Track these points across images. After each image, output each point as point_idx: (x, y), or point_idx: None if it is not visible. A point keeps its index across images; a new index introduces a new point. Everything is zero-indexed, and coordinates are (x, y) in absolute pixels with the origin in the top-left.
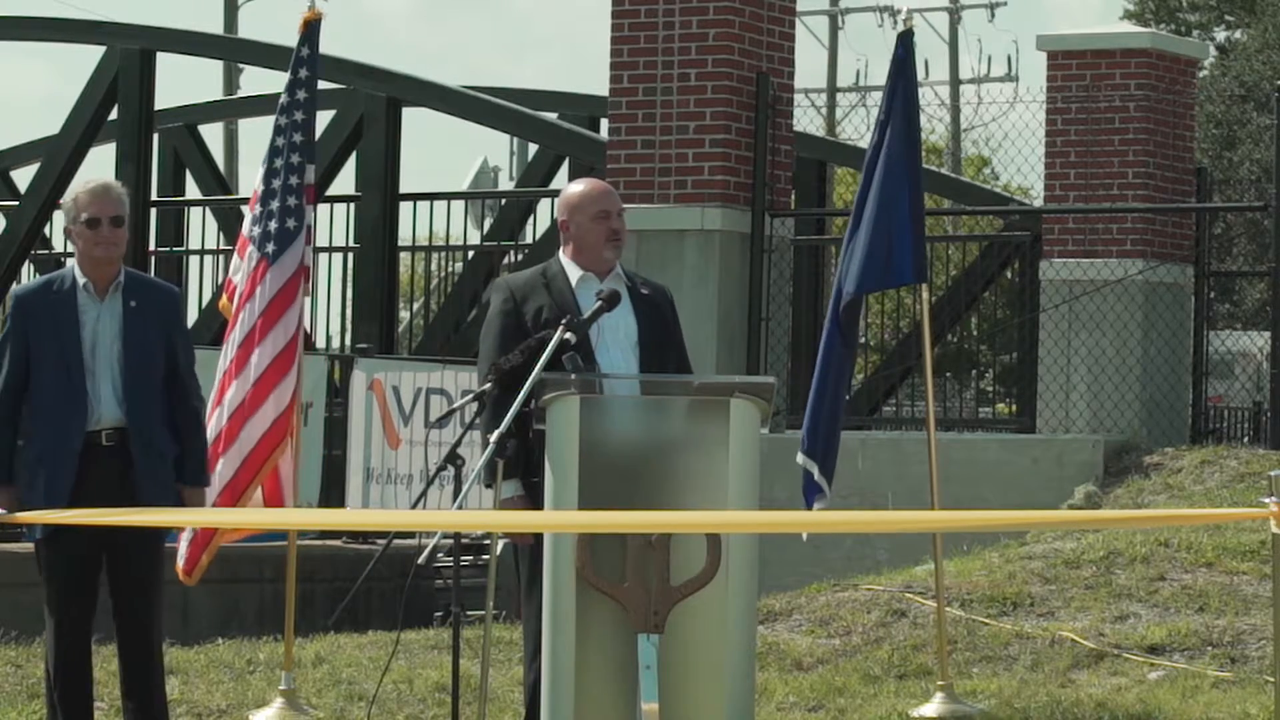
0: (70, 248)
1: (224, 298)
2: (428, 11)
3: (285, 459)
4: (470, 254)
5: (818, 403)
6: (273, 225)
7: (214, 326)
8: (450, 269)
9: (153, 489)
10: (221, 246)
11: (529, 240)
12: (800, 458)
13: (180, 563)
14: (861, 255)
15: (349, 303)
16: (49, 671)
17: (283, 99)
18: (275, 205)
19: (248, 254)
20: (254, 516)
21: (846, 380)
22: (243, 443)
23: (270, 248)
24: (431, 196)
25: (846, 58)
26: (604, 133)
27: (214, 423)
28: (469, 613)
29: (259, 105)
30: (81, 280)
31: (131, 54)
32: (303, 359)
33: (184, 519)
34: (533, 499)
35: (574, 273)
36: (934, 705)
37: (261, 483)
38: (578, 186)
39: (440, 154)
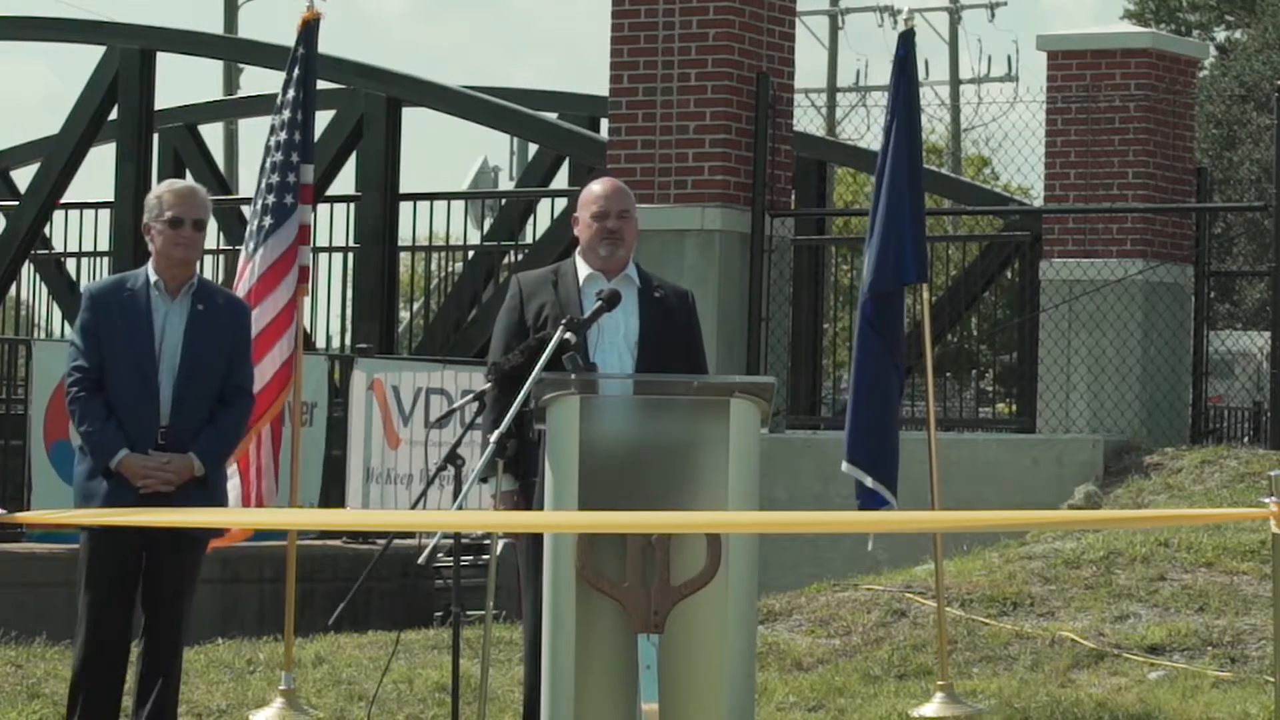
0: (73, 247)
1: None
2: (427, 12)
3: (260, 457)
4: (470, 254)
5: (858, 408)
6: (254, 224)
7: None
8: (450, 269)
9: (188, 492)
10: (221, 246)
11: (529, 240)
12: (845, 466)
13: None
14: (876, 255)
15: (349, 303)
16: (76, 670)
17: (278, 99)
18: (259, 204)
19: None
20: (254, 517)
21: (891, 381)
22: None
23: (251, 246)
24: (431, 196)
25: (846, 58)
26: (604, 133)
27: None
28: (469, 613)
29: (259, 105)
30: (154, 279)
31: (131, 54)
32: (300, 357)
33: (184, 519)
34: (528, 498)
35: (583, 271)
36: (934, 705)
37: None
38: (591, 185)
39: (440, 154)
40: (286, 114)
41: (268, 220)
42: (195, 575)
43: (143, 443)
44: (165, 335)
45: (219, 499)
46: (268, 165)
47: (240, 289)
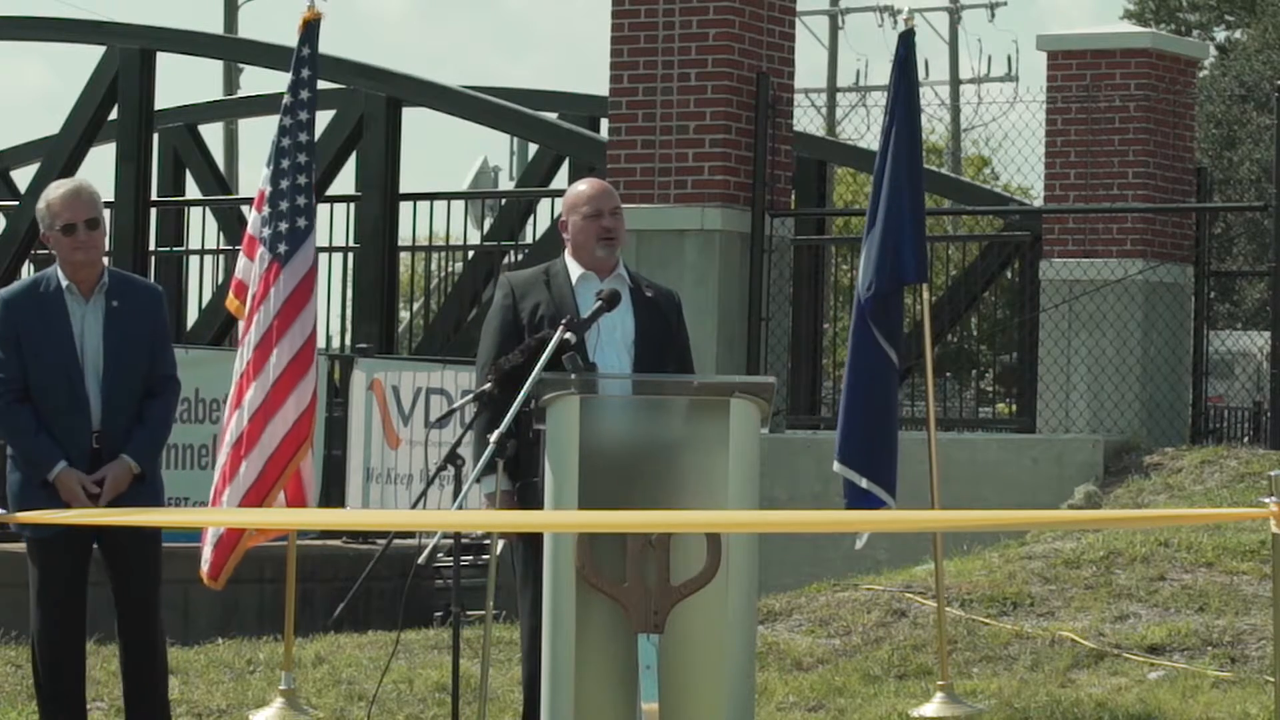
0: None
1: (231, 296)
2: (427, 12)
3: (306, 459)
4: (470, 254)
5: (852, 409)
6: (283, 225)
7: (214, 326)
8: (450, 269)
9: (130, 496)
10: (221, 246)
11: (529, 240)
12: (837, 466)
13: (205, 567)
14: (876, 255)
15: (349, 303)
16: (37, 671)
17: (286, 99)
18: (285, 205)
19: (259, 255)
20: (252, 517)
21: (889, 381)
22: (264, 444)
23: (282, 248)
24: (431, 196)
25: (846, 58)
26: (604, 133)
27: (234, 426)
28: (469, 613)
29: (259, 105)
30: (65, 282)
31: (131, 54)
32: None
33: (184, 519)
34: (527, 498)
35: (575, 271)
36: (934, 705)
37: (286, 483)
38: (577, 186)
39: (440, 154)
40: (304, 114)
41: (301, 221)
42: (158, 570)
43: (77, 449)
44: (85, 338)
45: (159, 495)
46: (288, 165)
47: (277, 293)
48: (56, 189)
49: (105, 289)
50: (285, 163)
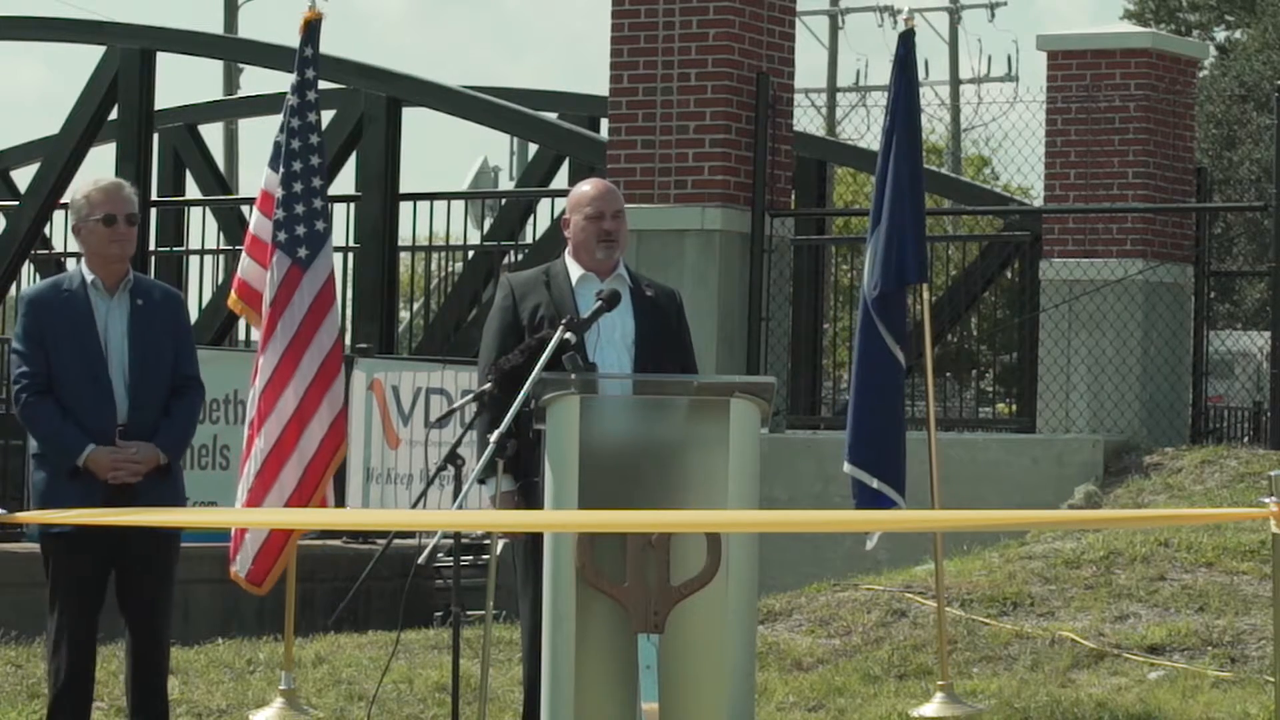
0: (73, 247)
1: (234, 295)
2: (427, 12)
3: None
4: (470, 254)
5: (860, 409)
6: (300, 229)
7: (214, 326)
8: (450, 269)
9: (154, 489)
10: (221, 246)
11: (529, 240)
12: (846, 467)
13: (242, 573)
14: (881, 255)
15: (349, 303)
16: (51, 671)
17: (291, 100)
18: (301, 208)
19: (274, 259)
20: (251, 516)
21: (896, 381)
22: (303, 450)
23: (302, 252)
24: (431, 196)
25: (846, 58)
26: (604, 133)
27: (266, 433)
28: (469, 613)
29: (259, 105)
30: (90, 278)
31: (131, 54)
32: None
33: (186, 519)
34: (528, 498)
35: (575, 272)
36: (934, 705)
37: (326, 485)
38: (581, 186)
39: (440, 154)
40: (311, 115)
41: (320, 225)
42: (172, 573)
43: (102, 443)
44: (109, 334)
45: (181, 494)
46: (300, 168)
47: (301, 298)
48: (97, 182)
49: (130, 286)
50: (297, 165)
